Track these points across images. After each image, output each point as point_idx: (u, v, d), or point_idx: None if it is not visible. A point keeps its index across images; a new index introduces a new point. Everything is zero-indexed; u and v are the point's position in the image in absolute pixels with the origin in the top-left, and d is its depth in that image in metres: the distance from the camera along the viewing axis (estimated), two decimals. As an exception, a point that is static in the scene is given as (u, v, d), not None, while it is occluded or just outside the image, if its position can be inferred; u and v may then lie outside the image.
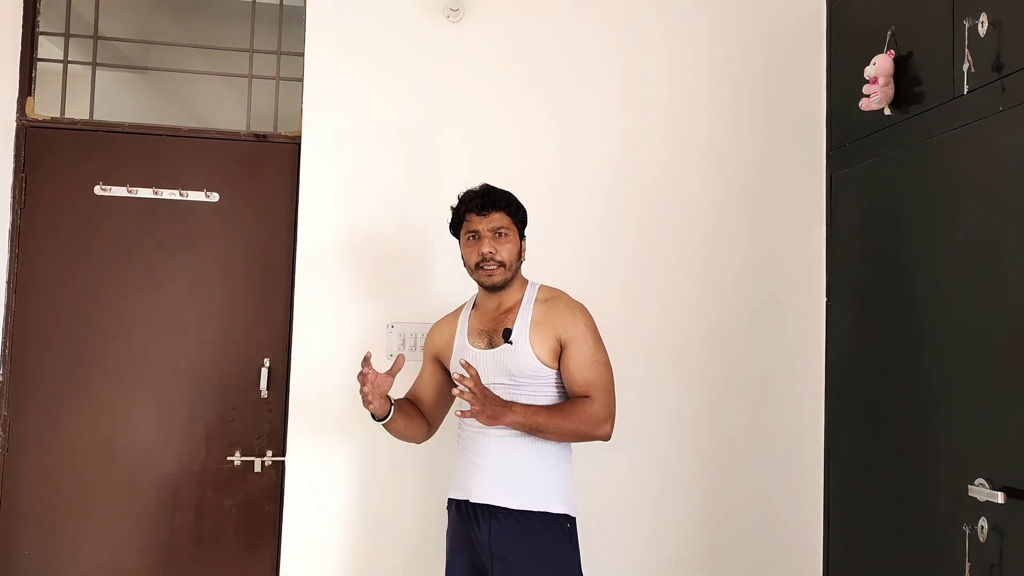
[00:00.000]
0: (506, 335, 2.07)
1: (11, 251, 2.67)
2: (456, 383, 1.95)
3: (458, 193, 2.17)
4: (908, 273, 2.11)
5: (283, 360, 2.72)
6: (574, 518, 2.11)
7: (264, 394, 2.72)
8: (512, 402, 2.02)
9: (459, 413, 1.98)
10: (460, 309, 2.28)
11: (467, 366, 1.97)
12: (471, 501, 2.07)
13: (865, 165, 2.32)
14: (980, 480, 1.77)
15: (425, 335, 2.36)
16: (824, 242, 2.54)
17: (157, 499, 2.68)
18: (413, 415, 2.22)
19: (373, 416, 2.09)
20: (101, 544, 2.66)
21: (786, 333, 2.84)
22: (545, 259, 2.73)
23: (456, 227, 2.19)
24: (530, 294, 2.16)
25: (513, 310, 2.13)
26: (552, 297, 2.16)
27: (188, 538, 2.69)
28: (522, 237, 2.18)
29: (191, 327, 2.72)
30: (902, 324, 2.13)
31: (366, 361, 2.00)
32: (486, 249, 2.08)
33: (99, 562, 2.65)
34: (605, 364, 2.10)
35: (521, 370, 2.06)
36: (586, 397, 2.05)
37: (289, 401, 2.67)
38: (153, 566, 2.67)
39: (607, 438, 2.08)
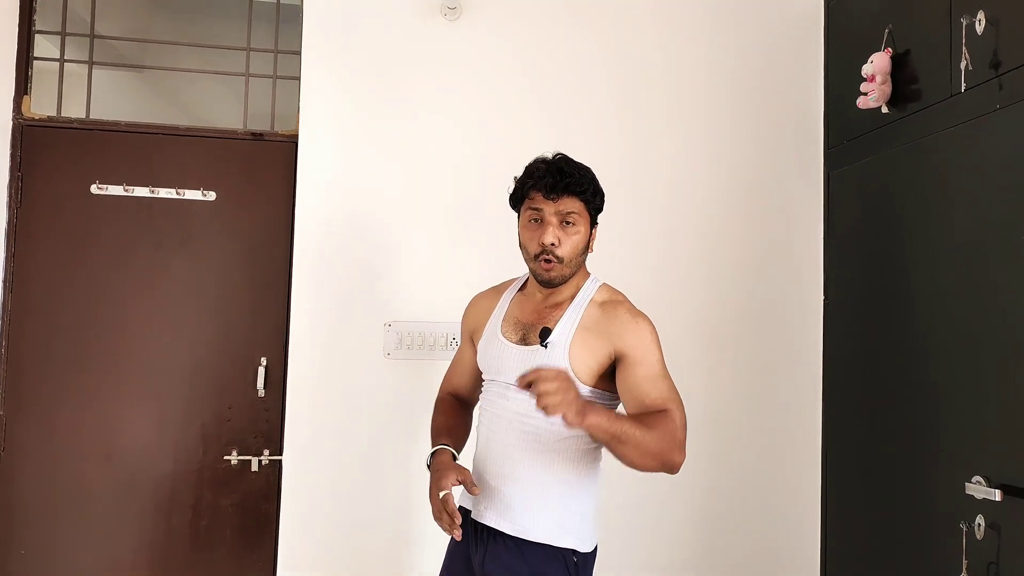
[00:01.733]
0: (543, 335, 1.74)
1: (7, 250, 2.66)
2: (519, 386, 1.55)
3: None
4: (906, 271, 2.11)
5: (280, 359, 2.72)
6: (586, 554, 1.78)
7: (261, 393, 2.72)
8: (590, 402, 1.62)
9: (539, 408, 1.51)
10: (506, 285, 1.97)
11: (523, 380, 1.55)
12: (472, 517, 1.82)
13: (863, 163, 2.32)
14: (977, 478, 1.77)
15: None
16: (822, 240, 2.54)
17: (154, 498, 2.68)
18: (462, 425, 1.94)
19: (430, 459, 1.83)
20: (98, 543, 2.65)
21: (784, 331, 2.84)
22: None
23: (518, 201, 1.83)
24: (586, 292, 1.82)
25: (561, 306, 1.80)
26: (612, 300, 1.81)
27: (185, 537, 2.69)
28: (594, 224, 1.83)
29: (188, 326, 2.72)
30: (900, 322, 2.13)
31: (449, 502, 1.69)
32: (548, 240, 1.74)
33: (96, 561, 2.65)
34: (671, 381, 1.75)
35: None
36: (663, 410, 1.68)
37: (286, 400, 2.66)
38: (150, 565, 2.67)
39: (677, 469, 1.69)
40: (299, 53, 2.75)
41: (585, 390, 1.73)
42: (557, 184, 1.74)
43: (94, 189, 2.71)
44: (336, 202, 2.70)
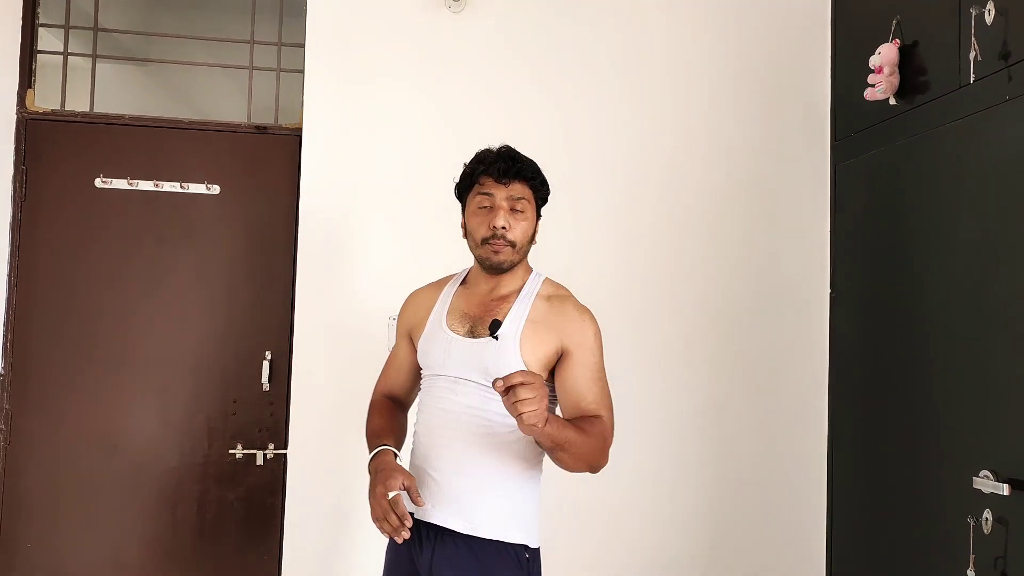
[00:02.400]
0: (493, 327, 1.68)
1: (12, 244, 2.66)
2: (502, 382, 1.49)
3: (476, 150, 1.86)
4: (913, 263, 2.10)
5: (285, 353, 2.72)
6: (535, 549, 1.77)
7: (266, 387, 2.72)
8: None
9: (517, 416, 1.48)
10: (446, 281, 1.95)
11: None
12: (415, 517, 1.72)
13: (870, 155, 2.30)
14: (985, 472, 1.76)
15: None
16: (828, 233, 2.53)
17: (159, 492, 2.68)
18: (399, 426, 1.90)
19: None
20: (103, 537, 2.66)
21: (790, 325, 2.83)
22: (547, 252, 2.72)
23: (465, 189, 1.84)
24: (532, 285, 1.83)
25: (508, 299, 1.79)
26: (558, 295, 1.82)
27: (190, 531, 2.69)
28: (539, 216, 1.85)
29: (192, 320, 2.72)
30: (907, 315, 2.12)
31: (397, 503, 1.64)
32: (499, 223, 1.74)
33: (101, 555, 2.65)
34: (606, 383, 1.77)
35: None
36: (596, 416, 1.70)
37: (291, 394, 2.66)
38: (155, 559, 2.67)
39: (599, 471, 1.72)
40: (303, 46, 2.74)
41: None
42: (509, 169, 1.77)
43: (98, 183, 2.71)
44: (340, 195, 2.70)
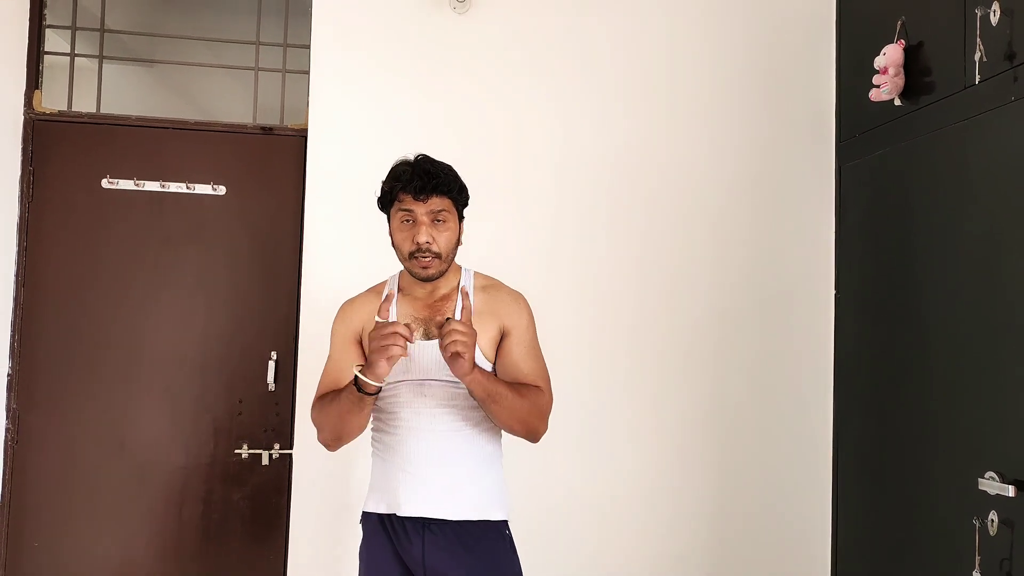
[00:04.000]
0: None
1: (19, 244, 2.68)
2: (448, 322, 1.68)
3: (392, 162, 1.91)
4: (918, 265, 2.10)
5: (290, 353, 2.72)
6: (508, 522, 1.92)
7: (271, 387, 2.73)
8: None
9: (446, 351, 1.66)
10: (379, 289, 2.01)
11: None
12: (399, 515, 1.81)
13: (875, 156, 2.30)
14: (990, 474, 1.76)
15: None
16: (833, 234, 2.52)
17: (165, 492, 2.69)
18: None
19: (360, 388, 1.73)
20: (110, 536, 2.67)
21: (795, 326, 2.82)
22: (550, 252, 2.73)
23: (387, 205, 1.90)
24: (467, 280, 1.94)
25: (450, 298, 1.89)
26: (491, 285, 1.95)
27: (196, 531, 2.70)
28: (461, 219, 1.91)
29: (198, 320, 2.73)
30: (912, 316, 2.11)
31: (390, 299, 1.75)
32: (423, 239, 1.81)
33: (108, 554, 2.67)
34: (543, 359, 1.94)
35: None
36: (534, 386, 1.87)
37: (296, 394, 2.67)
38: (161, 558, 2.69)
39: (539, 437, 1.89)
40: (308, 47, 2.75)
41: (488, 366, 1.86)
42: (425, 185, 1.81)
43: (105, 183, 2.72)
44: (345, 195, 2.70)
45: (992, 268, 1.82)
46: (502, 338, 1.89)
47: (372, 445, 1.94)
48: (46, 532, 2.66)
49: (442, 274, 1.87)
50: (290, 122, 2.82)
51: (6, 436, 2.65)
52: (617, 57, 2.83)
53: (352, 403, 1.78)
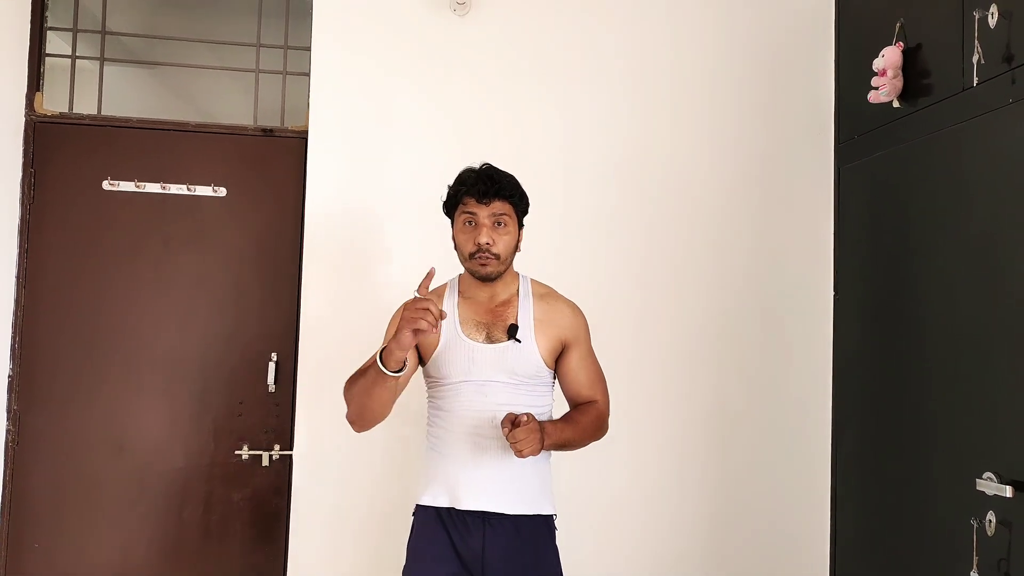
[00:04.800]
0: (512, 332, 1.95)
1: (20, 246, 2.68)
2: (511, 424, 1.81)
3: (459, 171, 2.02)
4: (917, 267, 2.10)
5: (290, 354, 2.73)
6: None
7: (272, 388, 2.73)
8: (542, 424, 1.88)
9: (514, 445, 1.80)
10: (439, 292, 2.08)
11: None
12: (458, 508, 1.94)
13: (874, 158, 2.30)
14: (988, 474, 1.76)
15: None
16: (832, 235, 2.53)
17: (165, 493, 2.70)
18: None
19: (384, 367, 1.80)
20: (110, 538, 2.68)
21: (793, 327, 2.83)
22: (552, 253, 2.73)
23: (451, 207, 2.04)
24: (525, 288, 2.06)
25: (510, 304, 2.02)
26: (548, 294, 2.08)
27: (196, 532, 2.71)
28: (521, 226, 2.04)
29: (199, 321, 2.73)
30: (910, 317, 2.12)
31: (430, 277, 1.83)
32: (484, 240, 1.94)
33: (108, 555, 2.67)
34: (598, 364, 2.11)
35: (525, 370, 1.97)
36: (591, 401, 2.06)
37: (296, 395, 2.68)
38: (162, 559, 2.69)
39: (602, 437, 2.09)
40: (309, 49, 2.75)
41: (548, 373, 2.03)
42: (488, 190, 1.95)
43: (106, 185, 2.73)
44: (346, 197, 2.71)
45: (990, 270, 1.83)
46: (562, 349, 2.03)
47: (429, 440, 2.04)
48: (46, 533, 2.66)
49: (500, 275, 1.99)
50: (291, 124, 2.83)
51: (7, 437, 2.65)
52: (616, 60, 2.83)
53: (373, 377, 1.85)
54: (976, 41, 1.84)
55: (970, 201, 1.90)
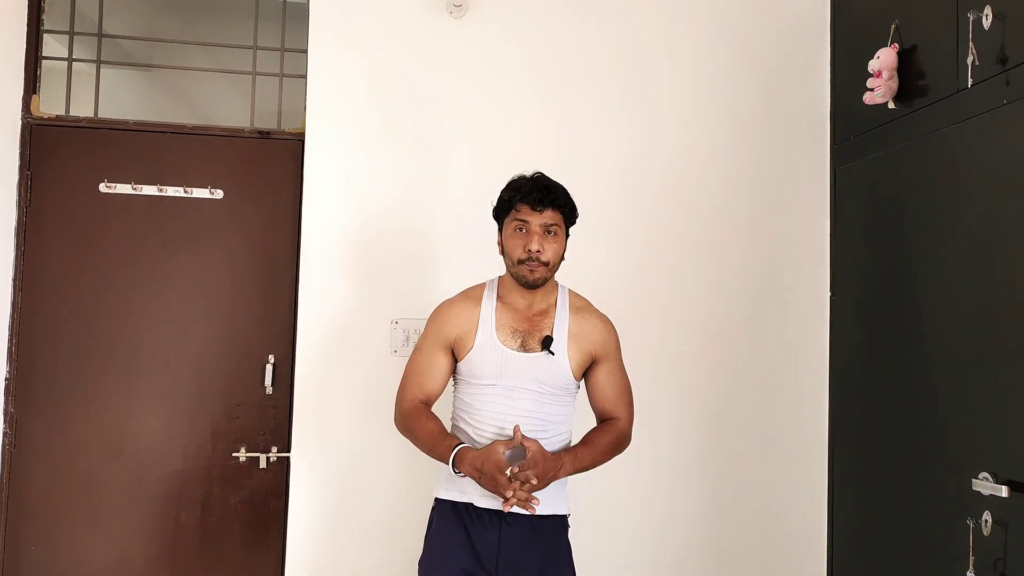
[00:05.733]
0: (547, 343, 2.00)
1: (17, 249, 2.68)
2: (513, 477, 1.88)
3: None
4: (912, 267, 2.11)
5: (288, 356, 2.73)
6: None
7: (269, 390, 2.73)
8: (557, 456, 1.96)
9: (516, 491, 1.89)
10: (477, 294, 2.11)
11: (525, 439, 1.92)
12: (476, 505, 1.98)
13: (869, 159, 2.31)
14: (984, 474, 1.77)
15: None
16: (828, 236, 2.54)
17: (163, 495, 2.69)
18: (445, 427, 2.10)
19: (453, 467, 1.95)
20: (108, 540, 2.67)
21: (790, 328, 2.84)
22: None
23: (503, 213, 2.05)
24: (563, 300, 2.09)
25: (547, 314, 2.06)
26: (583, 307, 2.12)
27: (194, 534, 2.70)
28: (567, 236, 2.07)
29: (196, 324, 2.73)
30: (906, 318, 2.13)
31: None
32: (535, 247, 1.97)
33: (106, 558, 2.67)
34: (627, 378, 2.16)
35: (554, 381, 2.02)
36: (614, 419, 2.11)
37: (294, 397, 2.68)
38: (159, 561, 2.69)
39: (623, 451, 2.15)
40: (306, 51, 2.75)
41: (575, 385, 2.09)
42: (543, 198, 1.98)
43: (102, 188, 2.73)
44: (343, 199, 2.71)
45: (985, 269, 1.83)
46: (592, 363, 2.09)
47: (453, 434, 2.06)
48: (44, 536, 2.66)
49: (546, 281, 2.03)
50: (287, 126, 2.83)
51: (4, 440, 2.65)
52: (613, 62, 2.84)
53: (436, 454, 1.99)
54: (971, 42, 1.85)
55: (965, 201, 1.91)
